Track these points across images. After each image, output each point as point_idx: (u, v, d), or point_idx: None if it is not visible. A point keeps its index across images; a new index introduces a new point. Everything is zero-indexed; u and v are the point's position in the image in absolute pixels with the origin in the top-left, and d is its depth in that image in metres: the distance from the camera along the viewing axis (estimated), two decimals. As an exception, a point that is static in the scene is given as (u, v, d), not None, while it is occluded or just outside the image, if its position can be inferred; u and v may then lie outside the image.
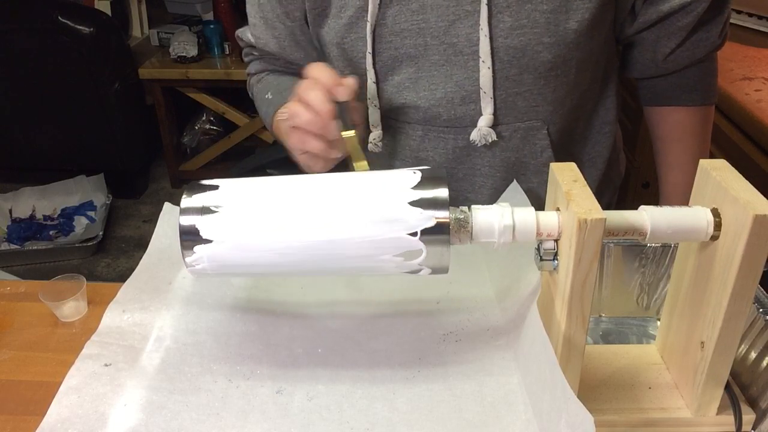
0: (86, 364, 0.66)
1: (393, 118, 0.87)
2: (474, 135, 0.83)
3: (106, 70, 2.46)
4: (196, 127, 2.89)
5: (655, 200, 0.99)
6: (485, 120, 0.82)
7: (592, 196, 0.52)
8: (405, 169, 0.58)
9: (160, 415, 0.61)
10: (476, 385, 0.65)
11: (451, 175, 0.89)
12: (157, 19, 2.91)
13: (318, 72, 0.72)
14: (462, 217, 0.55)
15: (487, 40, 0.77)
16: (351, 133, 0.71)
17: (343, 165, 0.79)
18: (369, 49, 0.80)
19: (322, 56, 0.90)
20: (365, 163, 0.71)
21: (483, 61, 0.78)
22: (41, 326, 0.75)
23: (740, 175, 0.53)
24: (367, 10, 0.79)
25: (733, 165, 0.54)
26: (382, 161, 0.92)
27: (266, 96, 0.93)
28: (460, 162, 0.88)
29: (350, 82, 0.72)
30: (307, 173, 0.77)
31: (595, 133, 0.92)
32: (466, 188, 0.90)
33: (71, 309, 0.75)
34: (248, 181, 0.59)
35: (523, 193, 0.80)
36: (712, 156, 0.90)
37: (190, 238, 0.57)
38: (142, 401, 0.62)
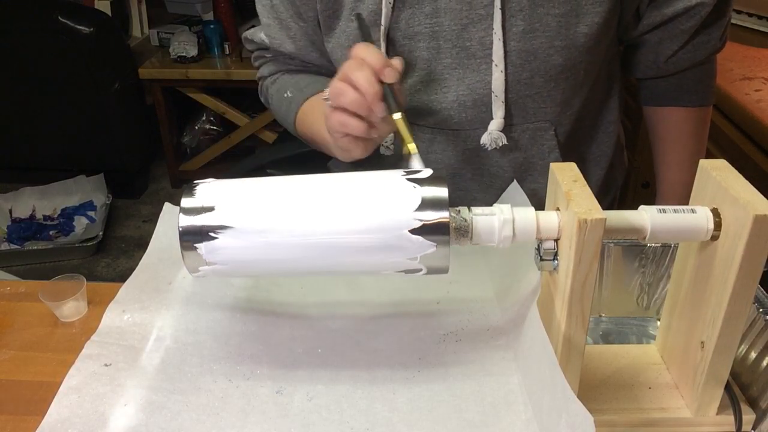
0: (86, 364, 0.66)
1: None
2: (485, 139, 0.83)
3: (106, 70, 2.46)
4: (196, 127, 2.89)
5: (655, 200, 0.99)
6: (496, 124, 0.82)
7: (592, 196, 0.52)
8: (406, 178, 0.57)
9: (160, 415, 0.61)
10: (476, 385, 0.65)
11: (460, 176, 0.89)
12: (157, 19, 2.91)
13: (365, 52, 0.69)
14: (462, 218, 0.55)
15: (501, 43, 0.77)
16: (399, 115, 0.69)
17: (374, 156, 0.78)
18: (382, 52, 0.80)
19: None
20: (414, 145, 0.69)
21: (496, 65, 0.78)
22: (41, 326, 0.75)
23: (740, 175, 0.53)
24: (380, 14, 0.78)
25: (733, 165, 0.54)
26: (392, 162, 0.92)
27: (285, 95, 0.91)
28: (469, 163, 0.88)
29: (397, 63, 0.69)
30: (345, 159, 0.76)
31: (600, 133, 0.93)
32: (475, 189, 0.90)
33: (71, 309, 0.75)
34: (245, 190, 0.59)
35: (523, 193, 0.80)
36: (712, 156, 0.90)
37: (191, 256, 0.57)
38: (142, 401, 0.62)
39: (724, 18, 0.85)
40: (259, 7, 0.90)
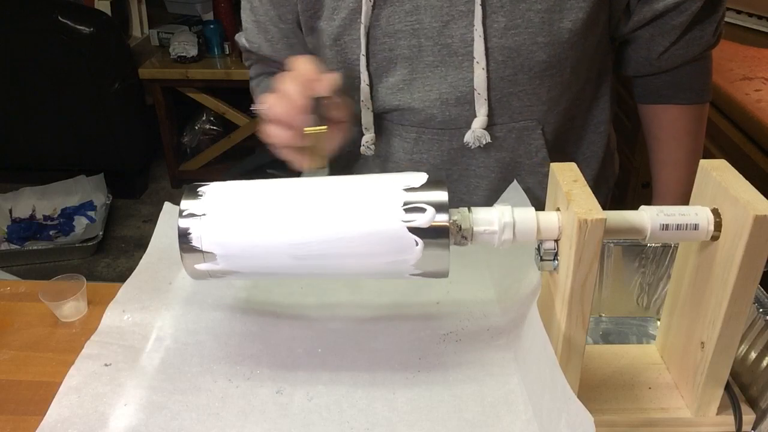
0: (86, 364, 0.66)
1: (387, 120, 0.87)
2: (468, 137, 0.82)
3: (106, 70, 2.46)
4: (196, 127, 2.89)
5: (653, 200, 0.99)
6: (479, 122, 0.81)
7: (593, 196, 0.53)
8: (404, 189, 0.56)
9: (160, 415, 0.61)
10: (476, 385, 0.65)
11: (446, 176, 0.89)
12: (157, 19, 2.91)
13: (300, 65, 0.70)
14: (462, 218, 0.55)
15: (482, 40, 0.76)
16: (319, 129, 0.68)
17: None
18: (363, 50, 0.80)
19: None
20: (322, 161, 0.69)
21: (477, 62, 0.78)
22: (41, 326, 0.75)
23: (740, 175, 0.53)
24: (360, 12, 0.78)
25: (733, 165, 0.54)
26: (376, 163, 0.91)
27: None
28: (454, 163, 0.87)
29: (331, 77, 0.69)
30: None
31: (590, 133, 0.92)
32: (462, 189, 0.90)
33: (71, 309, 0.75)
34: (244, 195, 0.59)
35: (523, 193, 0.80)
36: (711, 156, 0.90)
37: (190, 261, 0.58)
38: (142, 401, 0.62)
39: (717, 13, 0.84)
40: (242, 11, 0.91)
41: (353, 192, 0.57)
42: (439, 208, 0.54)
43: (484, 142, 0.83)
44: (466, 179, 0.89)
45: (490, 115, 0.82)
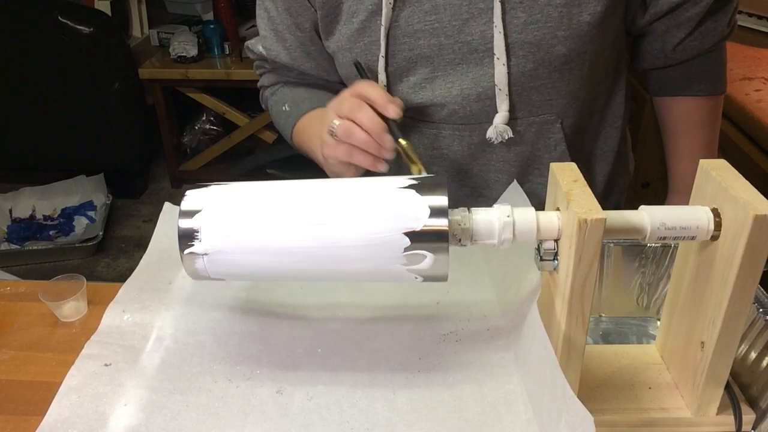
0: (86, 364, 0.66)
1: (407, 116, 0.87)
2: (490, 132, 0.83)
3: (106, 70, 2.46)
4: (196, 127, 2.89)
5: (655, 200, 0.98)
6: (501, 117, 0.82)
7: (593, 196, 0.52)
8: (404, 234, 0.55)
9: (160, 415, 0.61)
10: (476, 385, 0.65)
11: (466, 171, 0.89)
12: (157, 19, 2.91)
13: (368, 90, 0.73)
14: (462, 219, 0.55)
15: (502, 36, 0.77)
16: (404, 143, 0.74)
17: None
18: (382, 52, 0.81)
19: (332, 64, 0.90)
20: (421, 166, 0.73)
21: (498, 58, 0.78)
22: (41, 326, 0.75)
23: (740, 175, 0.53)
24: (378, 14, 0.79)
25: (733, 165, 0.54)
26: (394, 160, 0.92)
27: (283, 108, 0.93)
28: (475, 158, 0.88)
29: (399, 101, 0.74)
30: (330, 177, 0.79)
31: (607, 127, 0.93)
32: (481, 184, 0.90)
33: (71, 309, 0.75)
34: (244, 197, 0.59)
35: (523, 193, 0.80)
36: (712, 156, 0.90)
37: (190, 262, 0.58)
38: (142, 401, 0.62)
39: (731, 4, 0.85)
40: (257, 20, 0.92)
41: (354, 225, 0.56)
42: (439, 213, 0.54)
43: (506, 137, 0.83)
44: (486, 173, 0.89)
45: (511, 109, 0.82)
